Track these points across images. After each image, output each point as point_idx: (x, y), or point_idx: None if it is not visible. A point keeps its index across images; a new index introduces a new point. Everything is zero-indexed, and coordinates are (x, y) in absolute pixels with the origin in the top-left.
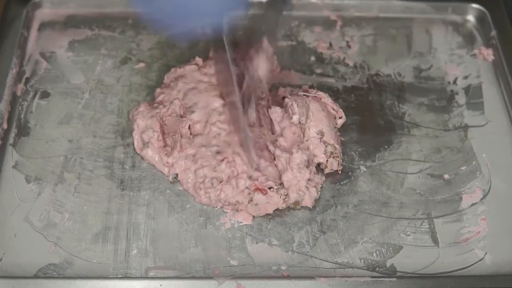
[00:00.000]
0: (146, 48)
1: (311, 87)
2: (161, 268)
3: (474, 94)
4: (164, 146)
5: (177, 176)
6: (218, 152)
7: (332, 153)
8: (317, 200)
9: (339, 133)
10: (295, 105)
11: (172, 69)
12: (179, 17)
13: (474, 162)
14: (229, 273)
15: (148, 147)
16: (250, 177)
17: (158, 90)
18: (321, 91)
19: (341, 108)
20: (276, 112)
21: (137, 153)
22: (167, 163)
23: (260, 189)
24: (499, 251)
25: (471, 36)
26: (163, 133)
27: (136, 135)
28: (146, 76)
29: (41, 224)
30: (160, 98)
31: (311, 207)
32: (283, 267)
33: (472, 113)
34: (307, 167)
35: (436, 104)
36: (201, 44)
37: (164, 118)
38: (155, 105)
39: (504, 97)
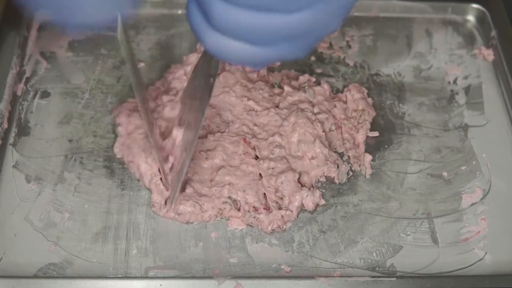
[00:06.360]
0: (146, 48)
1: None
2: (161, 267)
3: (474, 94)
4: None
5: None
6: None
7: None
8: (318, 204)
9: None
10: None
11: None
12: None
13: (474, 162)
14: (229, 273)
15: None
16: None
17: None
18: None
19: None
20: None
21: None
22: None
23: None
24: (499, 251)
25: (471, 36)
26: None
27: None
28: (146, 76)
29: (41, 223)
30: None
31: (311, 210)
32: (283, 267)
33: (472, 113)
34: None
35: (436, 104)
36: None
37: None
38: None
39: (504, 97)
